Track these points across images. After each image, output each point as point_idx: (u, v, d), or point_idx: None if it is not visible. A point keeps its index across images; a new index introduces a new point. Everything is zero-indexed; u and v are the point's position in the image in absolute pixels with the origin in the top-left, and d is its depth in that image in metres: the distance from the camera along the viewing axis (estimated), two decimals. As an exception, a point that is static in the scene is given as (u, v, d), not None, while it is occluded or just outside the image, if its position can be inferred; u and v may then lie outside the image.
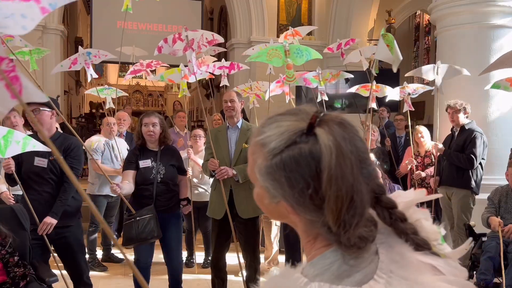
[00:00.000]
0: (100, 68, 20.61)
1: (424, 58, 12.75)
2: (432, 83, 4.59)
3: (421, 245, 0.71)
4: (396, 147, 5.80)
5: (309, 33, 9.14)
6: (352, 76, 4.66)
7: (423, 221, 0.75)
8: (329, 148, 0.65)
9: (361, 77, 5.03)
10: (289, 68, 3.48)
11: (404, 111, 5.09)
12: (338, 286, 0.66)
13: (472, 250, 3.84)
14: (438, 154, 4.51)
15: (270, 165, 0.68)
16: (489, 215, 3.72)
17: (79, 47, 4.37)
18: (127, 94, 5.11)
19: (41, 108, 2.86)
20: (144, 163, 3.23)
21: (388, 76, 7.18)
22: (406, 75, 4.86)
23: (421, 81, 12.25)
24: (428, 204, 5.04)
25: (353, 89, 4.96)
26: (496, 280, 3.51)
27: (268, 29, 8.80)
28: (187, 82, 4.15)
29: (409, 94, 4.82)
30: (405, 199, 0.78)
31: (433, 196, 0.90)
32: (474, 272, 3.68)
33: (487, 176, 4.76)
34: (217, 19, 13.64)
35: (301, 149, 0.66)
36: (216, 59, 5.29)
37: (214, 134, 3.43)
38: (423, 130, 5.01)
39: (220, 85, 5.01)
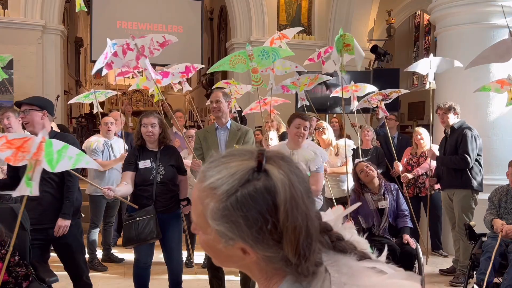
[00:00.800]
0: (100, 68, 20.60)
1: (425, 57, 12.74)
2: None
3: (363, 256, 0.75)
4: (389, 147, 5.79)
5: (309, 33, 9.16)
6: (330, 78, 4.65)
7: (354, 236, 0.81)
8: (282, 182, 0.67)
9: (359, 76, 5.03)
10: (254, 72, 3.45)
11: (380, 117, 5.09)
12: None
13: (472, 250, 3.85)
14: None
15: (225, 207, 0.68)
16: (492, 218, 3.72)
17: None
18: (116, 93, 5.05)
19: (30, 109, 2.87)
20: (144, 164, 3.22)
21: (388, 76, 7.19)
22: (404, 70, 4.85)
23: (421, 82, 12.26)
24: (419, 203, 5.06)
25: (333, 93, 4.94)
26: (496, 280, 3.51)
27: (268, 29, 8.80)
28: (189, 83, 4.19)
29: (382, 100, 4.80)
30: (329, 217, 0.82)
31: (350, 209, 0.93)
32: (474, 272, 3.68)
33: (487, 176, 4.76)
34: (217, 19, 13.66)
35: (255, 186, 0.67)
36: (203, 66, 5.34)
37: (203, 135, 3.40)
38: (422, 131, 5.01)
39: (184, 91, 5.00)
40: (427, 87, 4.31)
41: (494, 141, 4.94)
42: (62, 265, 3.12)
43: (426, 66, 4.40)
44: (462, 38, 5.06)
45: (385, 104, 4.90)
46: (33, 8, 7.49)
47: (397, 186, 3.90)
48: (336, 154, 4.25)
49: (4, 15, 7.46)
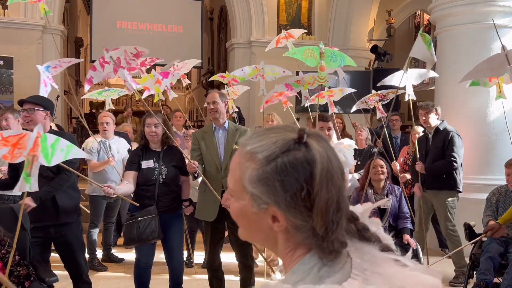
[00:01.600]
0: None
1: (424, 58, 12.73)
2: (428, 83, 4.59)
3: (386, 249, 0.79)
4: (392, 148, 5.77)
5: (309, 33, 9.16)
6: (336, 78, 4.66)
7: (380, 231, 0.84)
8: (321, 155, 0.71)
9: (359, 76, 5.03)
10: (322, 69, 3.53)
11: (378, 118, 5.08)
12: (321, 285, 0.69)
13: (472, 250, 3.85)
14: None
15: (264, 171, 0.71)
16: (488, 219, 3.74)
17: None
18: (129, 93, 5.01)
19: (35, 108, 2.90)
20: (147, 164, 3.23)
21: (388, 75, 7.17)
22: (378, 85, 4.76)
23: (421, 82, 12.27)
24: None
25: (309, 101, 4.92)
26: (496, 280, 3.51)
27: (268, 29, 8.80)
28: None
29: (379, 100, 4.79)
30: (357, 210, 0.85)
31: (378, 203, 1.00)
32: (474, 272, 3.68)
33: (486, 176, 4.76)
34: (217, 19, 13.65)
35: (295, 155, 0.71)
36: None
37: (201, 135, 3.39)
38: (420, 130, 5.00)
39: (170, 99, 5.01)
40: (406, 99, 4.32)
41: (494, 141, 4.94)
42: (62, 265, 3.13)
43: (400, 79, 4.38)
44: (462, 38, 5.06)
45: (385, 104, 4.89)
46: (33, 8, 7.49)
47: (400, 189, 3.91)
48: None
49: (4, 15, 7.46)
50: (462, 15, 5.05)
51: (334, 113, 4.80)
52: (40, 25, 7.54)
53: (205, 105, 4.38)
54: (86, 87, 3.38)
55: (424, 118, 4.36)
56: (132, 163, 3.25)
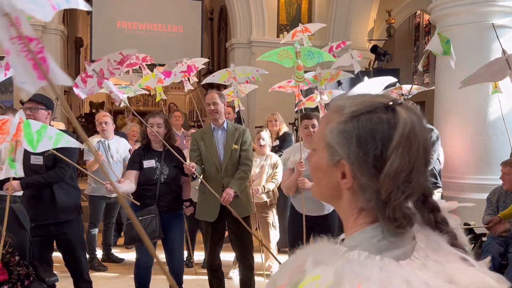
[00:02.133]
0: (100, 68, 20.58)
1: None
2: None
3: (458, 246, 0.77)
4: None
5: (309, 33, 9.15)
6: (352, 75, 4.64)
7: (459, 230, 0.81)
8: (405, 122, 0.71)
9: (359, 76, 5.01)
10: (299, 69, 3.51)
11: None
12: (377, 256, 0.69)
13: (472, 250, 3.85)
14: None
15: (346, 124, 0.74)
16: (489, 218, 3.74)
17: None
18: (147, 92, 4.98)
19: (38, 107, 2.91)
20: (148, 163, 3.24)
21: (388, 75, 7.17)
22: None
23: (421, 82, 12.26)
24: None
25: (299, 106, 4.89)
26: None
27: (268, 29, 8.81)
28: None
29: (402, 95, 4.78)
30: (442, 204, 0.83)
31: (464, 204, 0.98)
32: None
33: (486, 176, 4.76)
34: (217, 19, 13.65)
35: (380, 116, 0.72)
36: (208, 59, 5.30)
37: (200, 136, 3.39)
38: None
39: (185, 90, 5.00)
40: None
41: (494, 141, 4.94)
42: (61, 265, 3.13)
43: (363, 91, 4.38)
44: (462, 38, 5.05)
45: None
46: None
47: None
48: None
49: (4, 15, 7.45)
50: (462, 15, 5.04)
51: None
52: (40, 25, 7.53)
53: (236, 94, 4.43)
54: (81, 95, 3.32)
55: None
56: (134, 162, 3.26)
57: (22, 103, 3.00)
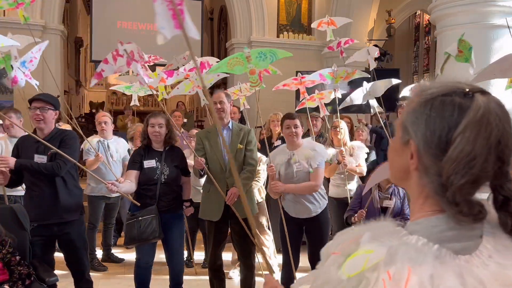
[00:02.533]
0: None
1: (424, 58, 12.75)
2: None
3: None
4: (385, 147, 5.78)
5: (309, 33, 9.16)
6: (368, 76, 4.61)
7: None
8: (479, 108, 0.70)
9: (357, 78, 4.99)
10: (252, 73, 3.48)
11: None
12: (435, 245, 0.69)
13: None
14: None
15: (421, 105, 0.75)
16: None
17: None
18: (156, 93, 4.95)
19: (47, 107, 2.94)
20: (149, 163, 3.23)
21: (388, 76, 7.18)
22: (340, 107, 4.63)
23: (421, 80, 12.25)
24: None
25: (302, 105, 4.86)
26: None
27: (268, 29, 8.81)
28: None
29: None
30: None
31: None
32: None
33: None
34: (217, 19, 13.66)
35: (453, 100, 0.72)
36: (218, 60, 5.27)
37: (204, 136, 3.39)
38: None
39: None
40: (372, 112, 4.32)
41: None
42: (61, 264, 3.13)
43: (362, 95, 4.36)
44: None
45: (384, 104, 4.88)
46: (33, 8, 7.49)
47: (405, 191, 3.91)
48: (351, 155, 4.27)
49: (4, 15, 7.46)
50: (462, 15, 5.04)
51: (340, 113, 4.78)
52: (40, 25, 7.54)
53: (203, 103, 4.40)
54: (93, 81, 3.36)
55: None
56: (134, 162, 3.26)
57: (30, 102, 2.99)
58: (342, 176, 4.26)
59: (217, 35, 13.83)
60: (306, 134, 6.19)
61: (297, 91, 7.56)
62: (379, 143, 6.04)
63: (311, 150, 3.28)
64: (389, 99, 5.38)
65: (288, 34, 8.98)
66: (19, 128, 3.85)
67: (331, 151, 4.33)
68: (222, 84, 10.29)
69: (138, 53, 3.21)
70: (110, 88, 7.83)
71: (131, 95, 5.30)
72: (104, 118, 4.61)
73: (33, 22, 7.49)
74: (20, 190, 4.00)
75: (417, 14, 12.84)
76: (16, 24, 7.39)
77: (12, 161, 2.84)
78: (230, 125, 3.39)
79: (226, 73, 3.68)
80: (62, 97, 7.36)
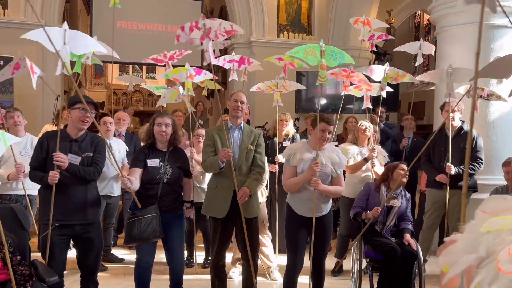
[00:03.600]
0: (100, 68, 20.61)
1: (424, 58, 12.74)
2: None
3: None
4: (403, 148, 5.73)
5: (309, 33, 9.16)
6: (418, 82, 4.62)
7: None
8: None
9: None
10: (322, 68, 3.53)
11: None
12: None
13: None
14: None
15: None
16: None
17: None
18: (179, 100, 4.88)
19: (94, 111, 3.07)
20: (153, 162, 3.24)
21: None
22: (418, 78, 4.71)
23: (421, 82, 12.26)
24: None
25: (348, 91, 4.87)
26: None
27: (268, 29, 8.81)
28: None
29: (481, 96, 4.52)
30: None
31: None
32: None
33: (487, 176, 4.76)
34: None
35: None
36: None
37: (216, 132, 3.41)
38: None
39: (229, 79, 5.00)
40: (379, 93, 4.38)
41: (494, 141, 4.94)
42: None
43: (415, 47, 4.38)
44: (462, 38, 5.06)
45: (384, 103, 4.86)
46: (33, 8, 7.48)
47: (410, 195, 3.93)
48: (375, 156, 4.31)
49: (4, 15, 7.46)
50: (462, 15, 5.04)
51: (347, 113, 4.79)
52: (40, 25, 7.52)
53: (190, 110, 4.43)
54: (174, 42, 3.41)
55: (452, 117, 4.35)
56: (139, 160, 3.26)
57: (73, 102, 3.04)
58: (363, 176, 4.24)
59: (217, 35, 13.84)
60: (303, 134, 6.19)
61: (298, 91, 7.58)
62: (383, 143, 6.03)
63: (337, 156, 3.34)
64: (390, 99, 5.37)
65: (288, 34, 8.99)
66: (22, 128, 4.02)
67: (355, 150, 4.35)
68: (223, 84, 10.28)
69: (217, 31, 3.22)
70: (142, 86, 7.86)
71: (130, 94, 5.31)
72: (110, 119, 4.70)
73: (33, 22, 7.49)
74: (21, 190, 4.03)
75: (417, 14, 12.84)
76: (16, 24, 7.40)
77: (67, 162, 2.91)
78: (241, 125, 3.44)
79: (301, 59, 3.74)
80: (62, 97, 7.36)
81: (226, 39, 4.02)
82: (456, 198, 4.37)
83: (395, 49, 4.82)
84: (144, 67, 21.20)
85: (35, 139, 4.32)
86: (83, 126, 3.03)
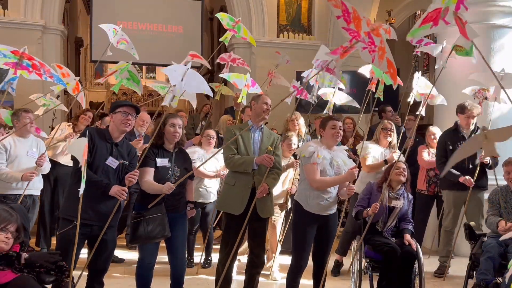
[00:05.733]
0: (100, 68, 20.62)
1: (424, 58, 12.76)
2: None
3: None
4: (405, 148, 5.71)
5: (309, 33, 9.16)
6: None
7: None
8: None
9: (359, 76, 4.94)
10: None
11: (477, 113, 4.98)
12: None
13: (472, 250, 3.85)
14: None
15: None
16: (499, 219, 3.76)
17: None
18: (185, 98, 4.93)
19: (135, 115, 3.13)
20: (162, 162, 3.25)
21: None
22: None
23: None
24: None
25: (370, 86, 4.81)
26: (496, 280, 3.51)
27: (268, 29, 8.81)
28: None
29: (485, 98, 4.59)
30: None
31: None
32: (474, 272, 3.69)
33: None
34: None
35: None
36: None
37: (238, 131, 3.47)
38: (436, 131, 4.98)
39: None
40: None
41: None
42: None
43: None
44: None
45: (386, 102, 4.84)
46: (33, 8, 7.49)
47: (412, 197, 3.94)
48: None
49: (4, 15, 7.46)
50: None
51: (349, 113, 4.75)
52: (40, 25, 7.54)
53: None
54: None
55: (472, 120, 4.42)
56: (150, 160, 3.25)
57: (116, 106, 3.12)
58: (378, 176, 4.25)
59: (217, 35, 13.82)
60: (313, 134, 6.18)
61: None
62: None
63: (346, 158, 3.43)
64: (389, 100, 5.37)
65: (288, 34, 8.99)
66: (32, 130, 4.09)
67: (377, 149, 4.38)
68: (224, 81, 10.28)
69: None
70: (147, 84, 7.87)
71: (130, 95, 5.33)
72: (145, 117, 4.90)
73: (33, 22, 7.50)
74: (32, 189, 4.06)
75: (417, 14, 12.83)
76: (16, 24, 7.40)
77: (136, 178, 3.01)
78: (262, 126, 3.54)
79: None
80: (62, 97, 7.36)
81: None
82: (477, 198, 4.44)
83: (415, 51, 4.79)
84: (144, 67, 21.22)
85: (40, 141, 4.33)
86: (125, 128, 3.06)
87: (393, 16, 10.17)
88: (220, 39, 4.78)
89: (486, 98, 4.61)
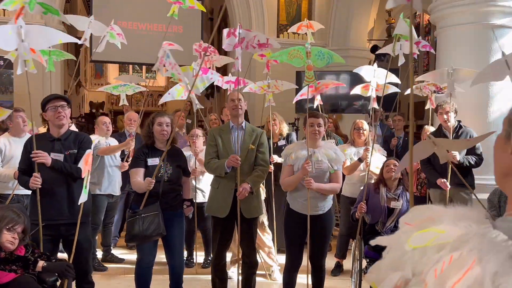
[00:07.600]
0: (100, 68, 20.63)
1: (424, 58, 12.76)
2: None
3: None
4: (396, 147, 5.77)
5: (309, 33, 9.15)
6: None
7: None
8: None
9: (359, 76, 4.95)
10: (309, 69, 3.50)
11: (426, 107, 5.06)
12: (509, 242, 0.65)
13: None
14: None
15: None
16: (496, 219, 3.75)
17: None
18: (145, 89, 5.05)
19: (66, 105, 3.04)
20: (153, 161, 3.26)
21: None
22: (417, 79, 4.75)
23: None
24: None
25: (356, 90, 4.82)
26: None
27: (268, 29, 8.81)
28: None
29: (434, 91, 4.71)
30: None
31: None
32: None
33: (486, 176, 4.76)
34: (217, 19, 13.65)
35: None
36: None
37: (218, 133, 3.43)
38: (432, 130, 4.99)
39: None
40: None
41: (494, 141, 4.94)
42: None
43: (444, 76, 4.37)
44: (462, 38, 5.06)
45: (384, 103, 4.83)
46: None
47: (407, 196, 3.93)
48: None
49: (4, 15, 7.46)
50: (462, 15, 5.05)
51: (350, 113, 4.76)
52: (40, 25, 7.53)
53: (196, 107, 4.43)
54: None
55: (445, 117, 4.37)
56: (140, 160, 3.28)
57: (46, 102, 3.04)
58: (362, 175, 4.24)
59: (217, 35, 13.82)
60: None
61: (297, 91, 7.57)
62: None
63: (333, 152, 3.33)
64: (388, 99, 5.36)
65: (288, 34, 8.99)
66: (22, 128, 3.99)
67: (352, 150, 4.35)
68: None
69: (249, 42, 3.23)
70: (98, 90, 7.88)
71: (130, 94, 5.35)
72: (108, 119, 4.77)
73: (33, 22, 7.49)
74: (22, 189, 4.03)
75: (417, 14, 12.83)
76: (16, 24, 7.40)
77: (49, 158, 2.90)
78: (243, 125, 3.44)
79: (288, 62, 3.73)
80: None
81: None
82: (460, 196, 4.39)
83: (377, 52, 4.81)
84: (144, 67, 21.22)
85: None
86: (61, 121, 3.00)
87: (393, 16, 10.18)
88: (168, 15, 4.71)
89: (435, 91, 4.66)
